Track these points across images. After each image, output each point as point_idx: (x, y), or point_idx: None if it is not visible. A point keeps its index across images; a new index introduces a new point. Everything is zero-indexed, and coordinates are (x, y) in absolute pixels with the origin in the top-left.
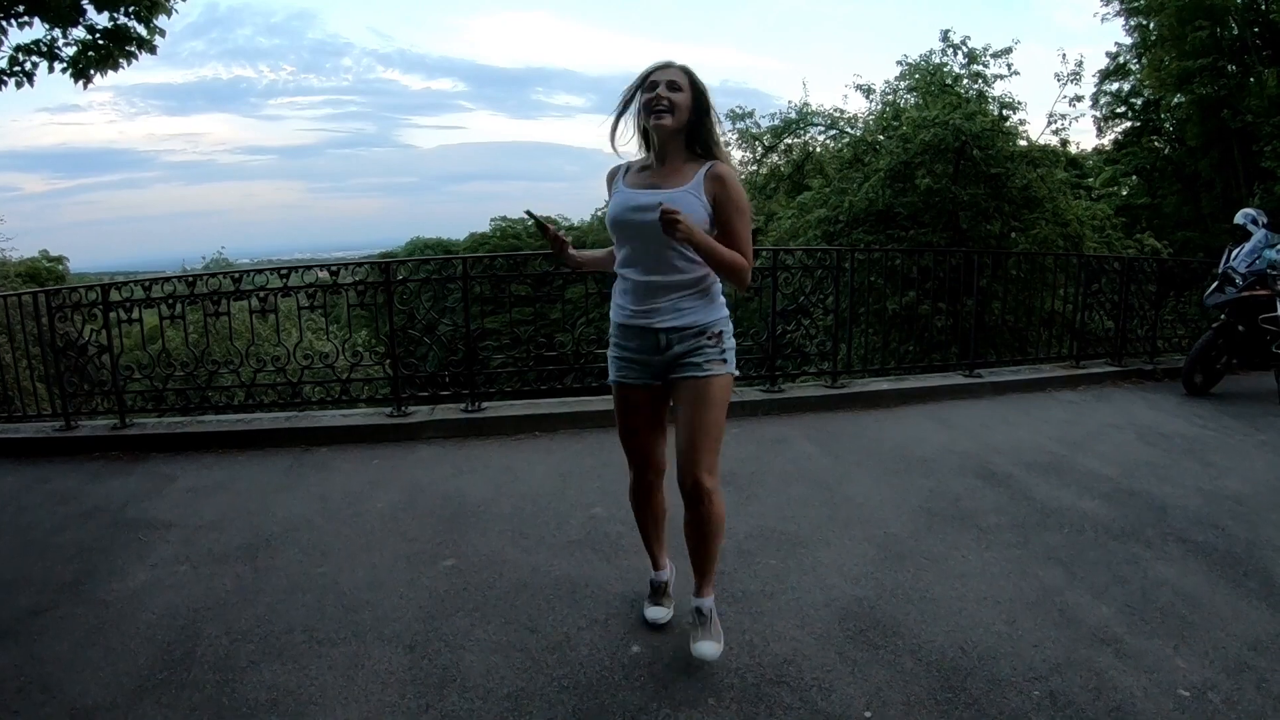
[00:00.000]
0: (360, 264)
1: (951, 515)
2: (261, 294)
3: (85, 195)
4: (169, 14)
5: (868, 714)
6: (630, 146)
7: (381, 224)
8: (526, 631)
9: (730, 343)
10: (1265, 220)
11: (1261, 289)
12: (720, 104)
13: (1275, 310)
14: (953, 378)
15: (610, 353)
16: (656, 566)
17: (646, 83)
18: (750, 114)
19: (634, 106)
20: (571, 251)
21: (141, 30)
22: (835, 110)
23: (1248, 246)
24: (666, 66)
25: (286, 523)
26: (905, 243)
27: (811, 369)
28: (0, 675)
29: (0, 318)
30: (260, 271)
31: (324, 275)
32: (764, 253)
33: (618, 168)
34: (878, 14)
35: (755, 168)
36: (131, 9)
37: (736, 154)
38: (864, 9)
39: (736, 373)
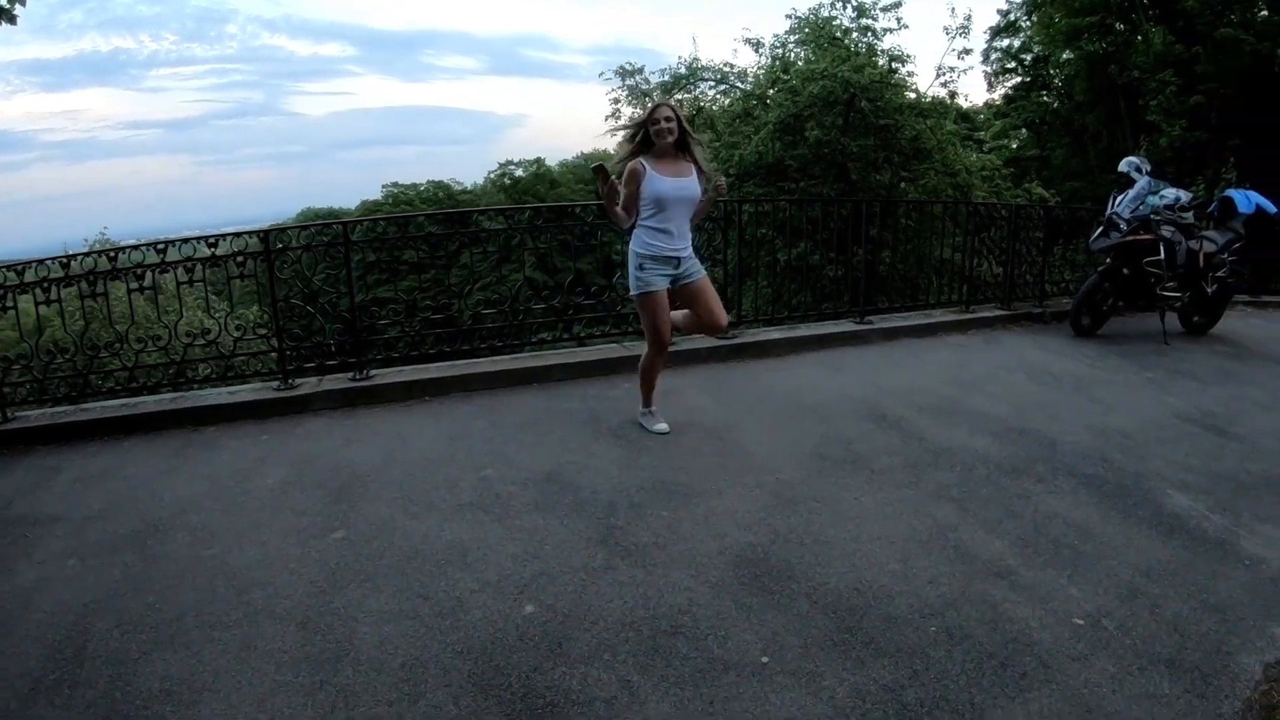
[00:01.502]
0: (239, 234)
1: (844, 459)
2: (139, 271)
3: None
4: None
5: (765, 659)
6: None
7: (273, 196)
8: (419, 599)
9: None
10: (1148, 169)
11: (1145, 234)
12: (614, 61)
13: (1158, 254)
14: (844, 325)
15: (649, 273)
16: (651, 403)
17: (652, 117)
18: (640, 70)
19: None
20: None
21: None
22: (725, 65)
23: (1131, 193)
24: (663, 106)
25: (175, 506)
26: (796, 195)
27: None
28: None
29: None
30: (137, 248)
31: (202, 248)
32: None
33: (641, 164)
34: None
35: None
36: None
37: (626, 110)
38: None
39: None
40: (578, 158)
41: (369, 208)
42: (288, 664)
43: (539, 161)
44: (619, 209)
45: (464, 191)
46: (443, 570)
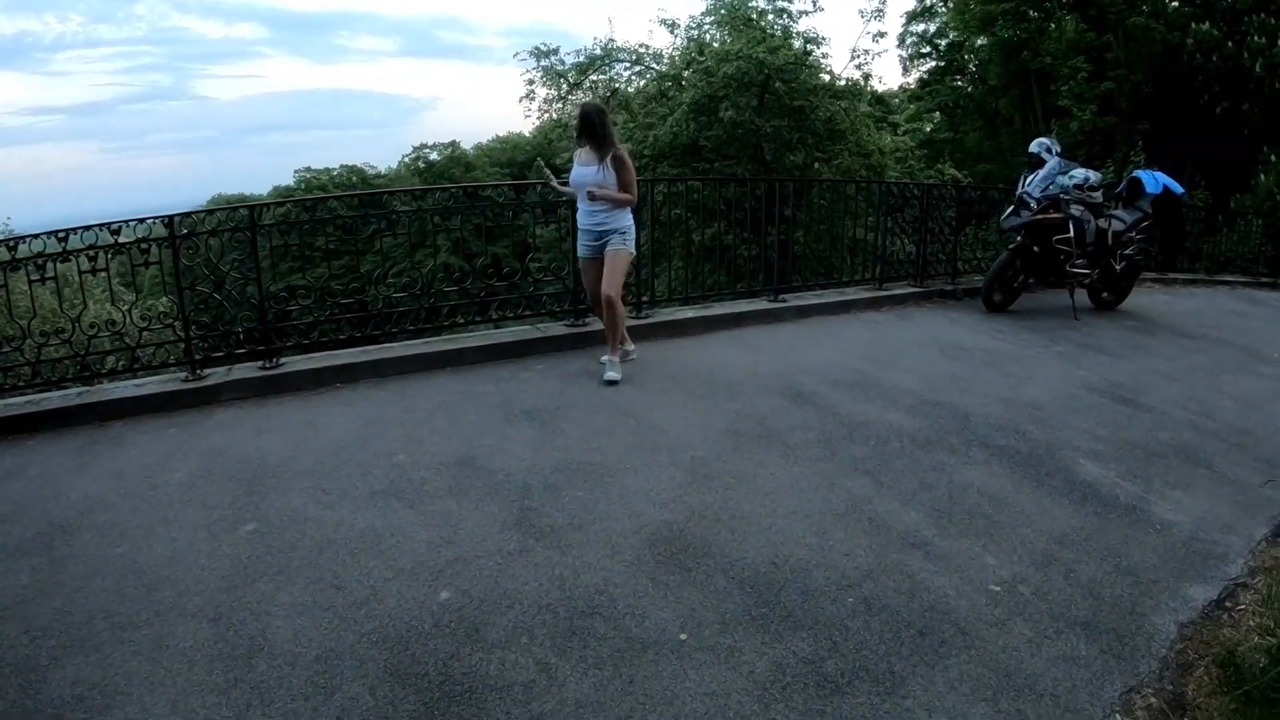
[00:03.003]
0: (143, 220)
1: (758, 435)
2: (39, 261)
3: None
4: None
5: (683, 636)
6: None
7: (182, 183)
8: (333, 590)
9: (631, 235)
10: (1059, 150)
11: (1055, 212)
12: (531, 44)
13: (1068, 232)
14: (758, 303)
15: (579, 241)
16: (614, 349)
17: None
18: (555, 51)
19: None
20: (556, 185)
21: None
22: (641, 46)
23: (1042, 173)
24: (581, 105)
25: (82, 505)
26: (711, 175)
27: None
28: None
29: None
30: (37, 237)
31: (105, 235)
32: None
33: (577, 151)
34: None
35: (560, 105)
36: None
37: (541, 92)
38: None
39: (634, 252)
40: (493, 140)
41: (281, 193)
42: (201, 662)
43: (454, 145)
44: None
45: (378, 176)
46: (356, 559)
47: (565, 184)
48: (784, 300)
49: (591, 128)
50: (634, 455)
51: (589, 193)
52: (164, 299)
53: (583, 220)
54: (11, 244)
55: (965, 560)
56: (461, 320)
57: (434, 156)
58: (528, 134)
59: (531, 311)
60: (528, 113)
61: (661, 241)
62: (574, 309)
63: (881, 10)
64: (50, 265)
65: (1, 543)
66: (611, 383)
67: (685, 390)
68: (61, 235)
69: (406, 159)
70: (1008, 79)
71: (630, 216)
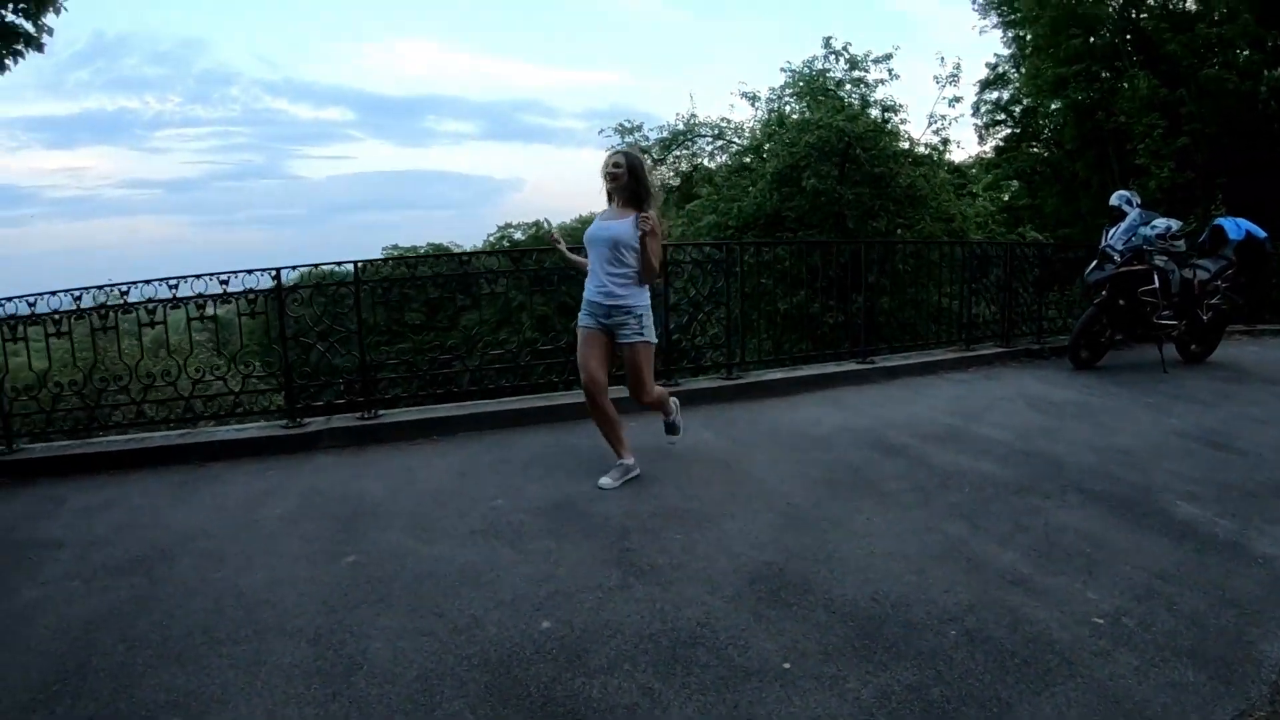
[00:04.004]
0: (250, 272)
1: (852, 484)
2: (150, 307)
3: None
4: (59, 10)
5: (786, 665)
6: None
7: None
8: (433, 617)
9: (649, 320)
10: (1139, 200)
11: (1138, 264)
12: (610, 124)
13: (1153, 283)
14: (846, 365)
15: (582, 313)
16: (620, 454)
17: (604, 164)
18: (638, 127)
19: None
20: (565, 250)
21: (29, 27)
22: (722, 120)
23: (1123, 225)
24: (615, 153)
25: (182, 534)
26: (793, 245)
27: (707, 362)
28: None
29: None
30: (149, 283)
31: (214, 285)
32: None
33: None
34: (762, 31)
35: None
36: (20, 6)
37: None
38: (748, 26)
39: (654, 341)
40: (575, 220)
41: (363, 274)
42: (299, 677)
43: (538, 224)
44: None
45: (464, 254)
46: (456, 591)
47: (575, 251)
48: (871, 361)
49: (634, 174)
50: (730, 502)
51: (642, 226)
52: (258, 358)
53: (593, 290)
54: (124, 289)
55: (1066, 595)
56: (556, 379)
57: (518, 235)
58: None
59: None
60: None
61: (747, 314)
62: (665, 369)
63: (956, 75)
64: (160, 310)
65: (101, 562)
66: (604, 488)
67: (777, 444)
68: (172, 283)
69: (491, 238)
70: (1083, 141)
71: (648, 295)
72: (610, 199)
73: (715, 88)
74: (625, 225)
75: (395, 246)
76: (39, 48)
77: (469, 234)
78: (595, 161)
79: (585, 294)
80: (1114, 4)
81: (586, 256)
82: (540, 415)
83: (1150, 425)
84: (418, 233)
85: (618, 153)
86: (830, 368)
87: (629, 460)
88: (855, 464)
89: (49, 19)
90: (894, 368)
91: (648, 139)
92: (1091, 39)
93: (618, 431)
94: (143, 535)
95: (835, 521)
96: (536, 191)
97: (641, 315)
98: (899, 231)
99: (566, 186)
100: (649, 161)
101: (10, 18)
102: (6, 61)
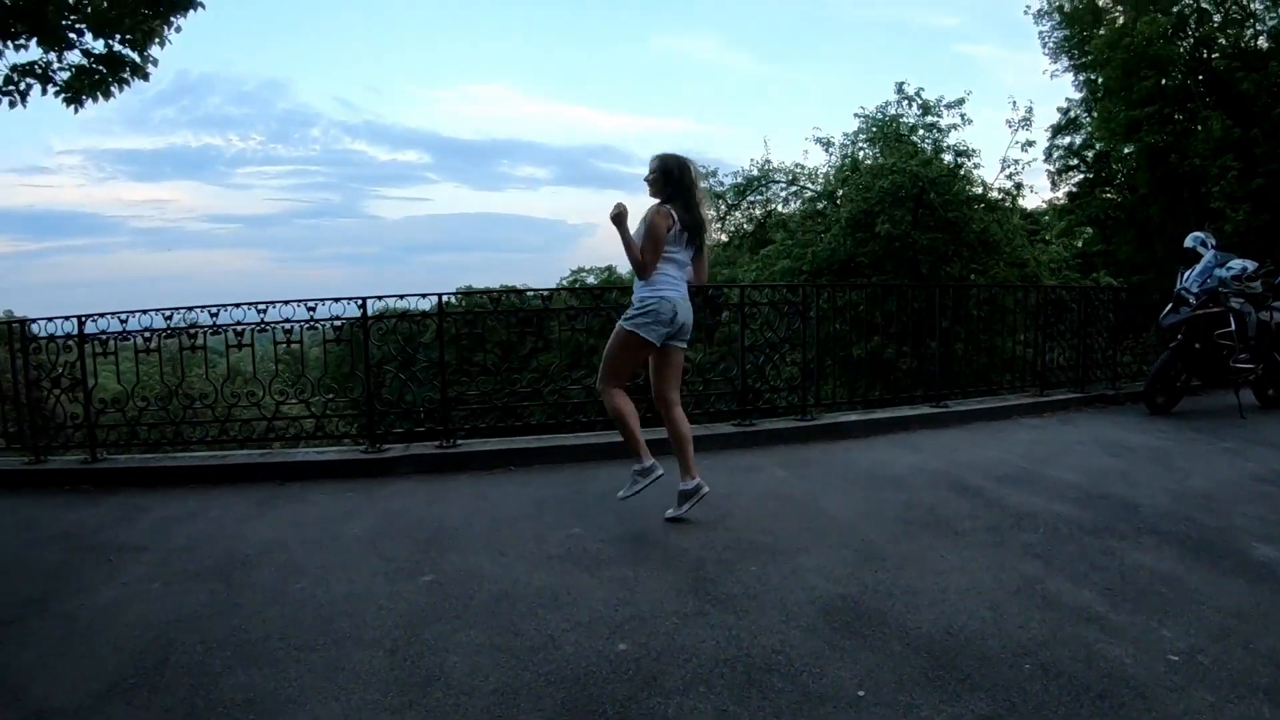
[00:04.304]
0: (337, 299)
1: (926, 522)
2: (238, 329)
3: (52, 258)
4: (163, 43)
5: (860, 693)
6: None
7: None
8: (510, 634)
9: (633, 310)
10: (1214, 242)
11: (1214, 306)
12: None
13: (1228, 325)
14: (920, 409)
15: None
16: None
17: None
18: (714, 173)
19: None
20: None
21: (135, 57)
22: (796, 165)
23: (1199, 267)
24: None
25: (261, 546)
26: (867, 290)
27: (782, 403)
28: None
29: None
30: (238, 306)
31: (301, 311)
32: (733, 290)
33: (668, 211)
34: (834, 79)
35: (719, 226)
36: (127, 36)
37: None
38: (811, 73)
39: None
40: None
41: (445, 307)
42: (376, 685)
43: (610, 269)
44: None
45: (536, 296)
46: (533, 611)
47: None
48: (945, 405)
49: (666, 174)
50: (804, 537)
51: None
52: (344, 375)
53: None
54: (214, 310)
55: (1141, 633)
56: None
57: (590, 280)
58: None
59: (701, 410)
60: None
61: (821, 358)
62: (741, 410)
63: (1028, 119)
64: (248, 333)
65: (181, 567)
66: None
67: (852, 483)
68: (261, 308)
69: (565, 281)
70: (1157, 185)
71: (644, 289)
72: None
73: (780, 133)
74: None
75: (469, 287)
76: (145, 77)
77: (542, 277)
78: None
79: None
80: (1185, 44)
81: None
82: (616, 450)
83: (1227, 469)
84: (491, 274)
85: (653, 157)
86: (904, 411)
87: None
88: (929, 504)
89: (154, 50)
90: (968, 412)
91: (722, 184)
92: (1163, 81)
93: (685, 448)
94: (223, 545)
95: (910, 558)
96: (610, 237)
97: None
98: (972, 277)
99: None
100: (696, 169)
101: (118, 48)
102: (113, 89)
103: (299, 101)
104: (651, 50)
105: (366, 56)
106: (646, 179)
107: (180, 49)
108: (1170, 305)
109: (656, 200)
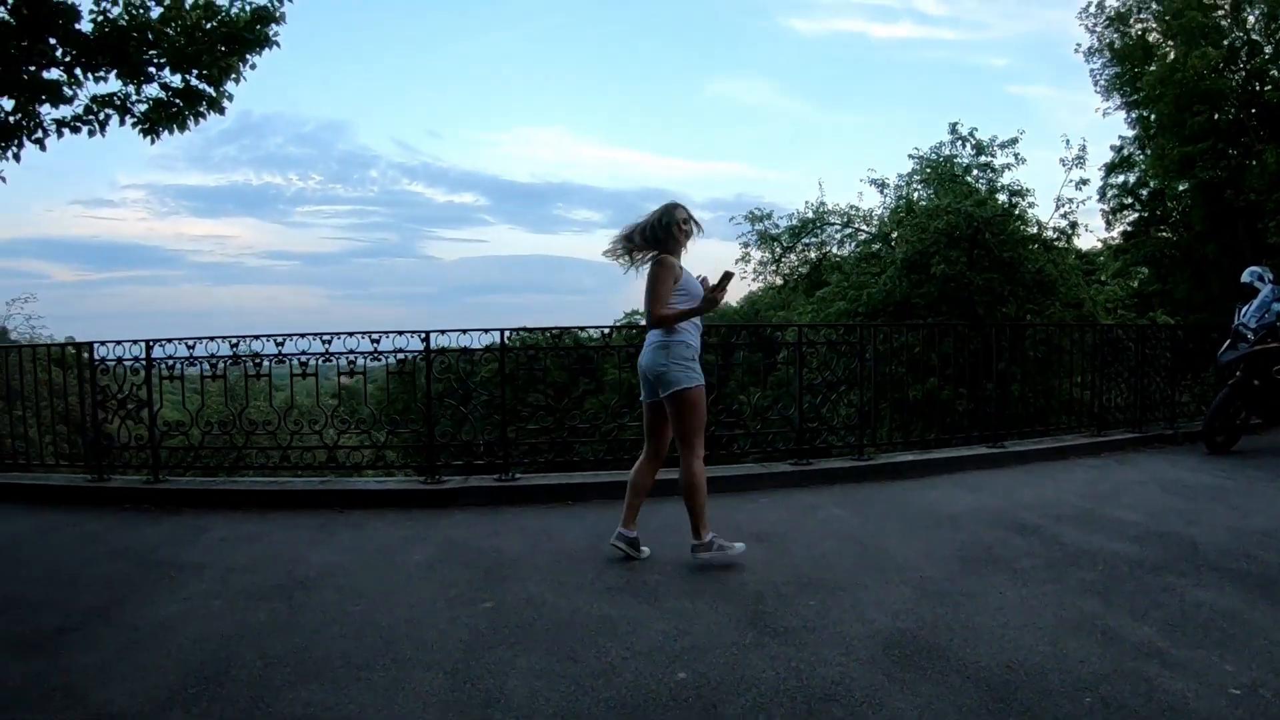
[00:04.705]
0: (400, 333)
1: (985, 560)
2: (303, 359)
3: (114, 288)
4: (239, 79)
5: None
6: None
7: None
8: (569, 662)
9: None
10: (1271, 276)
11: (1273, 341)
12: (734, 213)
13: None
14: (977, 449)
15: (697, 367)
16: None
17: (678, 216)
18: (769, 215)
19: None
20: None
21: (211, 92)
22: (850, 208)
23: (1256, 302)
24: (682, 206)
25: (321, 569)
26: (923, 331)
27: (839, 442)
28: (23, 682)
29: (28, 371)
30: (304, 336)
31: (365, 343)
32: (790, 330)
33: (679, 264)
34: (885, 121)
35: (774, 268)
36: (204, 72)
37: (755, 254)
38: (871, 117)
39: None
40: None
41: (498, 349)
42: (435, 705)
43: None
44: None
45: (590, 339)
46: (593, 639)
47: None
48: (1002, 446)
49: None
50: (863, 574)
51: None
52: (404, 407)
53: (698, 344)
54: (280, 340)
55: (1202, 668)
56: None
57: (643, 322)
58: (734, 304)
59: (757, 449)
60: (743, 274)
61: (877, 399)
62: (798, 449)
63: (1082, 158)
64: (313, 363)
65: (242, 586)
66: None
67: (909, 521)
68: (326, 339)
69: (619, 322)
70: (1212, 222)
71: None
72: (671, 250)
73: (833, 174)
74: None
75: (523, 328)
76: (220, 111)
77: (595, 318)
78: (723, 252)
79: (696, 346)
80: (1237, 78)
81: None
82: (673, 487)
83: None
84: (545, 316)
85: (681, 206)
86: (961, 451)
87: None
88: (987, 542)
89: (229, 86)
90: (1024, 452)
91: (777, 226)
92: (1216, 115)
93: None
94: (283, 567)
95: (968, 594)
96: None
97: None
98: (1028, 317)
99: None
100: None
101: (195, 83)
102: (189, 122)
103: (358, 143)
104: (704, 94)
105: (426, 100)
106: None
107: (243, 89)
108: (1228, 341)
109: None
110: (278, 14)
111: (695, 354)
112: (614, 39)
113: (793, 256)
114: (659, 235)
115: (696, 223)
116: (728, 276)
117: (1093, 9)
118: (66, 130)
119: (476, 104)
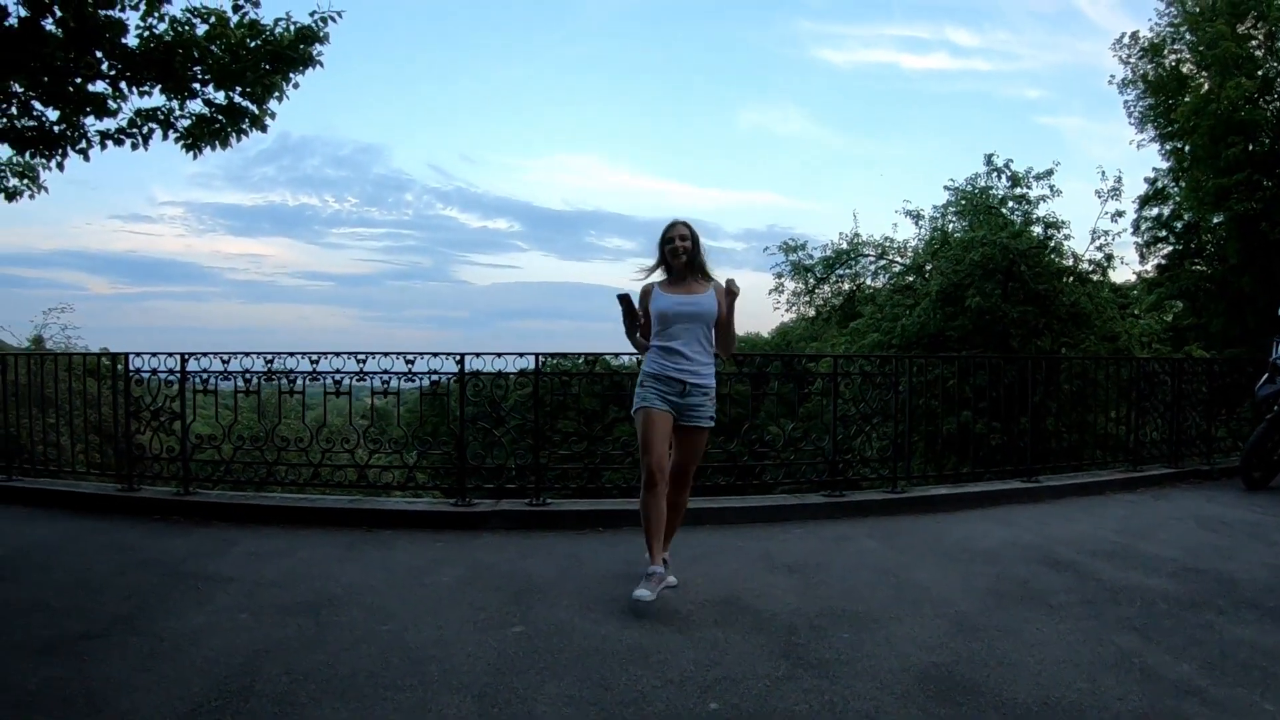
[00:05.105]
0: (435, 354)
1: (1020, 595)
2: (337, 377)
3: (149, 302)
4: (282, 98)
5: None
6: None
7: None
8: (599, 689)
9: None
10: None
11: None
12: (767, 244)
13: None
14: (1012, 483)
15: (646, 390)
16: (655, 558)
17: (666, 236)
18: (803, 246)
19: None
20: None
21: (254, 109)
22: (884, 239)
23: None
24: (679, 224)
25: (350, 587)
26: (958, 364)
27: (872, 474)
28: (44, 687)
29: (62, 380)
30: (339, 355)
31: (399, 363)
32: (825, 360)
33: (650, 285)
34: (918, 152)
35: (808, 299)
36: (248, 89)
37: (789, 285)
38: (904, 149)
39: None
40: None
41: (530, 374)
42: None
43: None
44: (638, 335)
45: (622, 366)
46: (624, 667)
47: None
48: (1037, 480)
49: (697, 242)
50: (896, 607)
51: (736, 292)
52: (435, 429)
53: (672, 367)
54: (315, 358)
55: (1242, 707)
56: (722, 482)
57: None
58: (765, 334)
59: (790, 480)
60: (776, 304)
61: (911, 431)
62: (831, 481)
63: (1118, 189)
64: (346, 381)
65: (269, 600)
66: (641, 600)
67: (943, 555)
68: (361, 358)
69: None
70: (1248, 255)
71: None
72: (667, 270)
73: (866, 205)
74: (710, 299)
75: (552, 354)
76: (263, 128)
77: (626, 346)
78: (757, 283)
79: (655, 369)
80: (1272, 108)
81: (653, 328)
82: (706, 516)
83: None
84: (577, 343)
85: (682, 223)
86: (995, 485)
87: (658, 568)
88: (1023, 577)
89: (271, 104)
90: (1060, 487)
91: (811, 257)
92: (1251, 146)
93: (665, 530)
94: (311, 583)
95: (1004, 629)
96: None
97: (712, 394)
98: (1063, 350)
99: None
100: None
101: (238, 100)
102: (231, 138)
103: (393, 167)
104: (737, 124)
105: (460, 125)
106: (680, 246)
107: (283, 111)
108: (1265, 376)
109: (672, 263)
110: (321, 34)
111: (656, 373)
112: (647, 68)
113: (826, 288)
114: (659, 256)
115: (679, 241)
116: (622, 300)
117: (1126, 40)
118: (110, 142)
119: (510, 131)
